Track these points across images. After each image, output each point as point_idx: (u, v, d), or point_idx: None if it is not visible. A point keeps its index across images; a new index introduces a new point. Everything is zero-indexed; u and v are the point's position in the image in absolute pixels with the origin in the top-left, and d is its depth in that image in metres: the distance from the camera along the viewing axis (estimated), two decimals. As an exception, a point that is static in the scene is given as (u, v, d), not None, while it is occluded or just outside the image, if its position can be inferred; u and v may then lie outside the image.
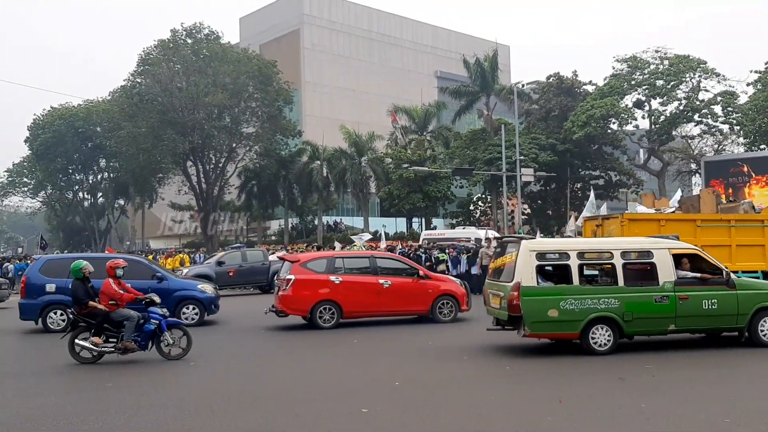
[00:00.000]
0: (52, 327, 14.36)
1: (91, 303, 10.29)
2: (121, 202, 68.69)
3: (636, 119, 45.22)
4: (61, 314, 14.31)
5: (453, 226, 46.16)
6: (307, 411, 7.00)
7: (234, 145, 51.92)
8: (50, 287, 14.48)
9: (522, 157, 37.08)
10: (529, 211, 50.83)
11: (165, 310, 10.86)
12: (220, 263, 25.40)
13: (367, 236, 33.47)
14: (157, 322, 10.40)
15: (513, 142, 36.75)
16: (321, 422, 6.56)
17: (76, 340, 10.35)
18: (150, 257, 37.93)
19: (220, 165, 52.74)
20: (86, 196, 68.50)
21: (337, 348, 11.95)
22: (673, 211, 19.57)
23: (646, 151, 49.12)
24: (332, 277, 14.17)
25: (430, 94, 59.33)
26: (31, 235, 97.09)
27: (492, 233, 31.37)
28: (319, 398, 7.69)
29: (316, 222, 55.97)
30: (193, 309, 15.09)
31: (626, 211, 19.92)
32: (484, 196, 51.95)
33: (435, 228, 48.10)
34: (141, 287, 14.50)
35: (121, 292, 10.53)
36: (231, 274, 24.67)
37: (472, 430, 6.13)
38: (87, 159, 62.53)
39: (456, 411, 6.78)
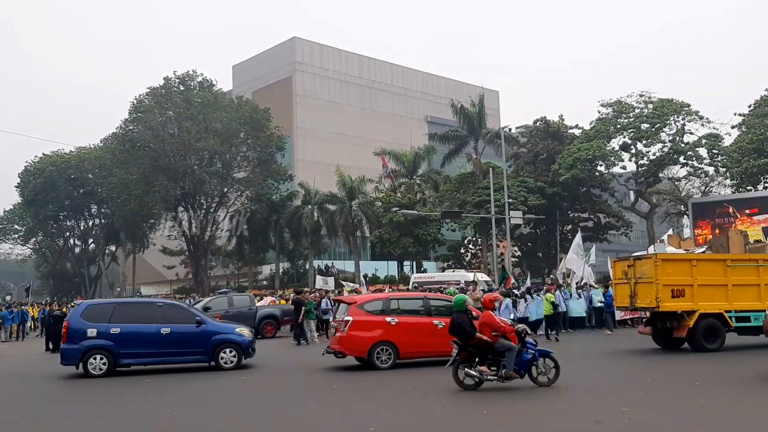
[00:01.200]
0: (93, 372, 14.19)
1: (477, 335, 10.95)
2: (113, 248, 68.49)
3: (623, 161, 45.72)
4: (102, 359, 14.27)
5: (444, 270, 46.18)
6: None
7: (225, 189, 52.09)
8: (91, 332, 14.37)
9: (511, 200, 37.30)
10: (519, 253, 50.94)
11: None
12: (206, 309, 25.07)
13: (353, 285, 33.36)
14: (534, 351, 11.09)
15: (501, 185, 36.98)
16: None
17: (461, 369, 11.06)
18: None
19: (211, 210, 52.79)
20: (77, 242, 68.36)
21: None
22: (704, 251, 19.82)
23: (635, 193, 49.55)
24: (388, 318, 14.44)
25: (421, 138, 60.02)
26: (21, 282, 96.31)
27: (480, 276, 31.41)
28: None
29: (307, 266, 55.85)
30: (232, 352, 15.11)
31: (649, 252, 20.27)
32: (474, 239, 52.10)
33: (425, 271, 48.13)
34: (183, 330, 14.81)
35: (503, 325, 11.24)
36: (217, 319, 24.49)
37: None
38: (78, 205, 62.59)
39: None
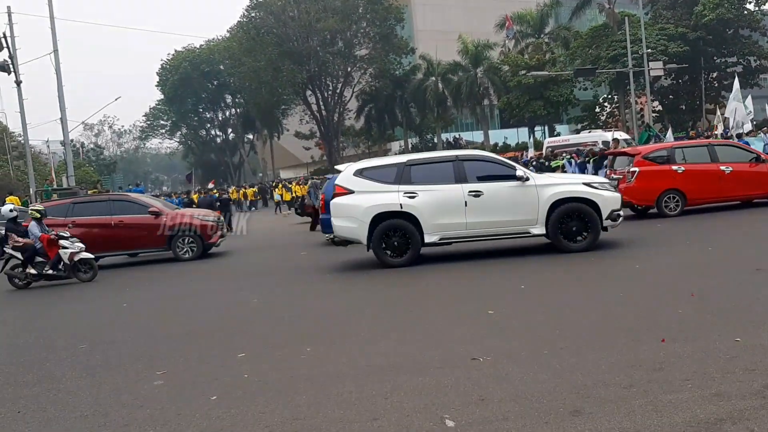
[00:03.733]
0: None
1: None
2: (250, 136, 71.90)
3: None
4: None
5: (578, 131, 44.64)
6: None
7: (349, 69, 52.44)
8: None
9: (649, 50, 34.84)
10: (660, 107, 48.04)
11: None
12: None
13: None
14: None
15: (638, 35, 34.53)
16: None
17: None
18: (280, 186, 39.81)
19: (338, 91, 53.56)
20: (218, 132, 72.42)
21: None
22: None
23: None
24: (674, 167, 14.61)
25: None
26: (173, 173, 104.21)
27: (619, 134, 30.13)
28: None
29: (435, 140, 55.94)
30: None
31: None
32: (610, 96, 49.56)
33: (559, 134, 46.75)
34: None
35: None
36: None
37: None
38: (214, 97, 65.73)
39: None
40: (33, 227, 12.66)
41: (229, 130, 71.27)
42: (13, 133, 49.22)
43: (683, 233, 12.35)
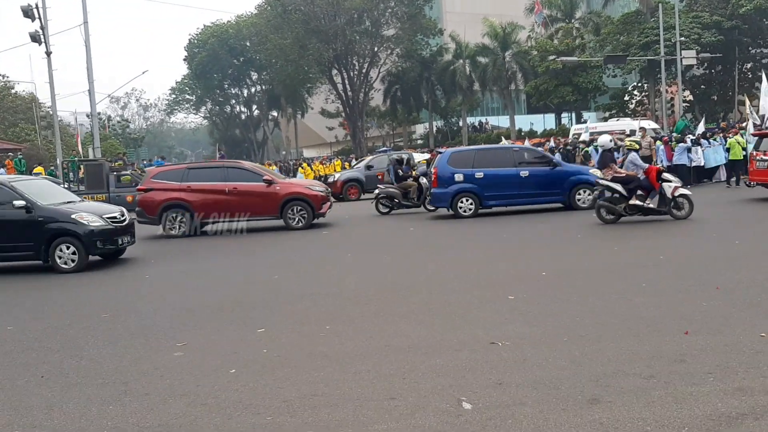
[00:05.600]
0: (462, 213, 15.36)
1: None
2: (275, 113, 71.95)
3: (820, -16, 39.67)
4: (469, 201, 15.38)
5: (606, 119, 44.07)
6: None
7: (376, 49, 52.10)
8: (458, 177, 15.40)
9: (682, 39, 34.16)
10: (691, 97, 47.16)
11: None
12: (369, 167, 26.24)
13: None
14: None
15: (672, 23, 33.85)
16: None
17: None
18: (305, 164, 39.89)
19: (364, 71, 53.31)
20: (242, 109, 72.62)
21: None
22: None
23: (832, 21, 43.28)
24: None
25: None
26: (197, 149, 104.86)
27: (648, 123, 29.71)
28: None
29: (460, 123, 55.59)
30: (587, 193, 15.35)
31: None
32: (640, 84, 48.77)
33: (586, 122, 46.20)
34: (540, 172, 15.42)
35: None
36: (380, 177, 25.37)
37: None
38: (240, 73, 65.77)
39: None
40: (636, 159, 12.61)
41: (254, 107, 71.38)
42: (43, 103, 49.75)
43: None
